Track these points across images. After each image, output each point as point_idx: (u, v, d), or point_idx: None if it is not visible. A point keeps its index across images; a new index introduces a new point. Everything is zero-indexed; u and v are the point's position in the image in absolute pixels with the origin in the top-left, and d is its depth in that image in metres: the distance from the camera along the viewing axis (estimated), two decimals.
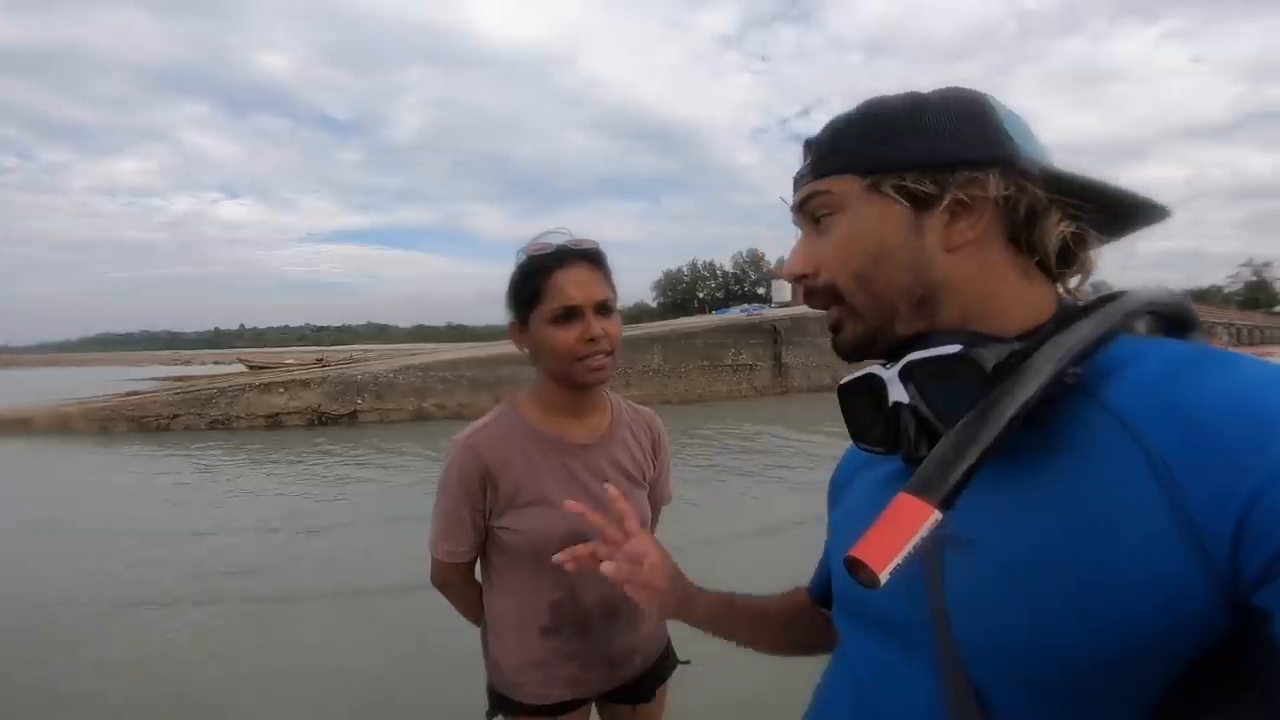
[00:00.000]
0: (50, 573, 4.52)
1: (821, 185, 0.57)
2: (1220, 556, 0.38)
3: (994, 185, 0.51)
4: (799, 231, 0.61)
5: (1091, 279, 0.57)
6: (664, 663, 1.33)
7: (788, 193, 0.63)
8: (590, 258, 1.15)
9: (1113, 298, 0.51)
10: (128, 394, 15.17)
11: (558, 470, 1.17)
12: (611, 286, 1.16)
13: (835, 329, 0.59)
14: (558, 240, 1.15)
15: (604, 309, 1.13)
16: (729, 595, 0.81)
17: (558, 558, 0.79)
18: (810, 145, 0.60)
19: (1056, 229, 0.53)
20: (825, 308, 0.59)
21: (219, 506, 6.68)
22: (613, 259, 1.20)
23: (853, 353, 0.59)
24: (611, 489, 0.82)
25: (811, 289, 0.59)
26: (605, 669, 1.22)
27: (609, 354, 1.13)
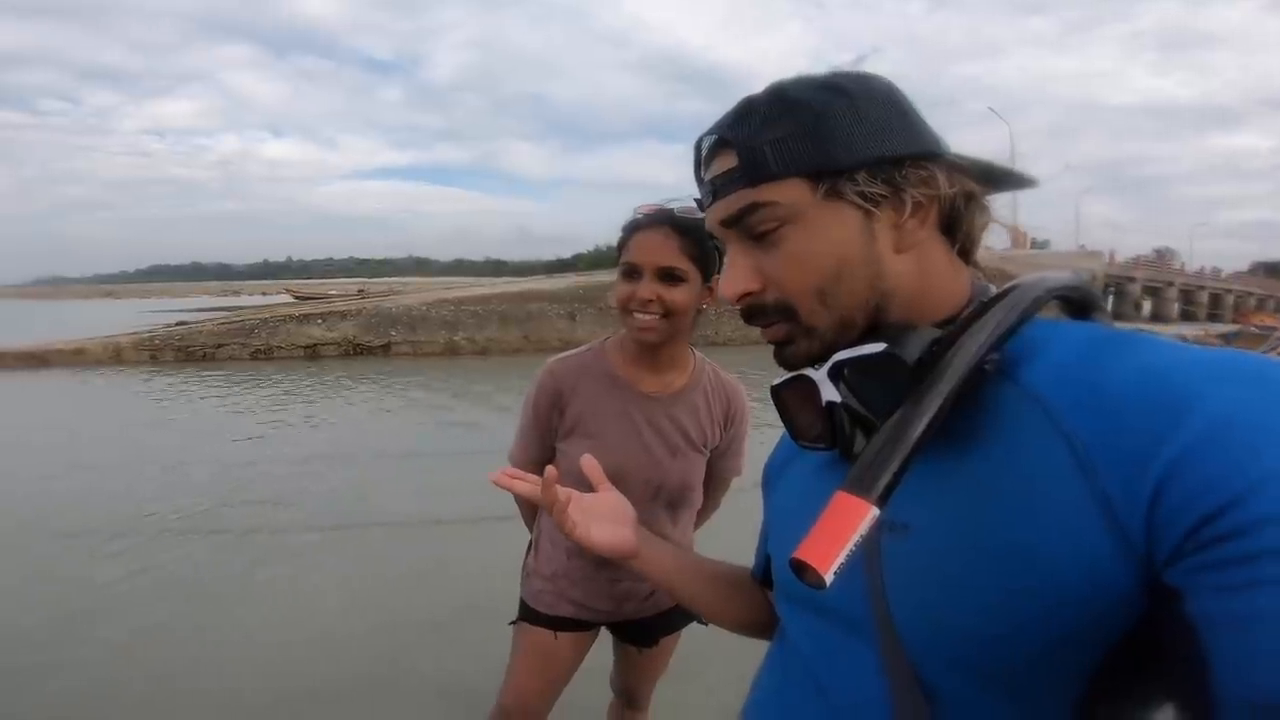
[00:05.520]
0: (76, 500, 4.74)
1: (764, 195, 0.51)
2: (1137, 537, 0.39)
3: (943, 181, 0.51)
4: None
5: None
6: (677, 615, 1.40)
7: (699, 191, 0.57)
8: (675, 225, 1.17)
9: (1020, 285, 0.50)
10: (176, 324, 15.68)
11: (619, 413, 1.26)
12: (693, 258, 1.17)
13: (783, 343, 0.56)
14: (672, 207, 1.20)
15: (667, 275, 1.16)
16: (685, 550, 0.83)
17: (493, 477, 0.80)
18: (726, 145, 0.53)
19: (982, 217, 0.55)
20: (769, 325, 0.56)
21: (245, 435, 6.92)
22: (649, 202, 1.23)
23: (802, 366, 0.56)
24: (587, 458, 0.81)
25: (758, 307, 0.55)
26: (608, 603, 1.33)
27: (662, 317, 1.17)
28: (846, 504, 0.42)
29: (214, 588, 3.30)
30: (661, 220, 1.18)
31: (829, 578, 0.41)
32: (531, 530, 1.44)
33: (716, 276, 1.20)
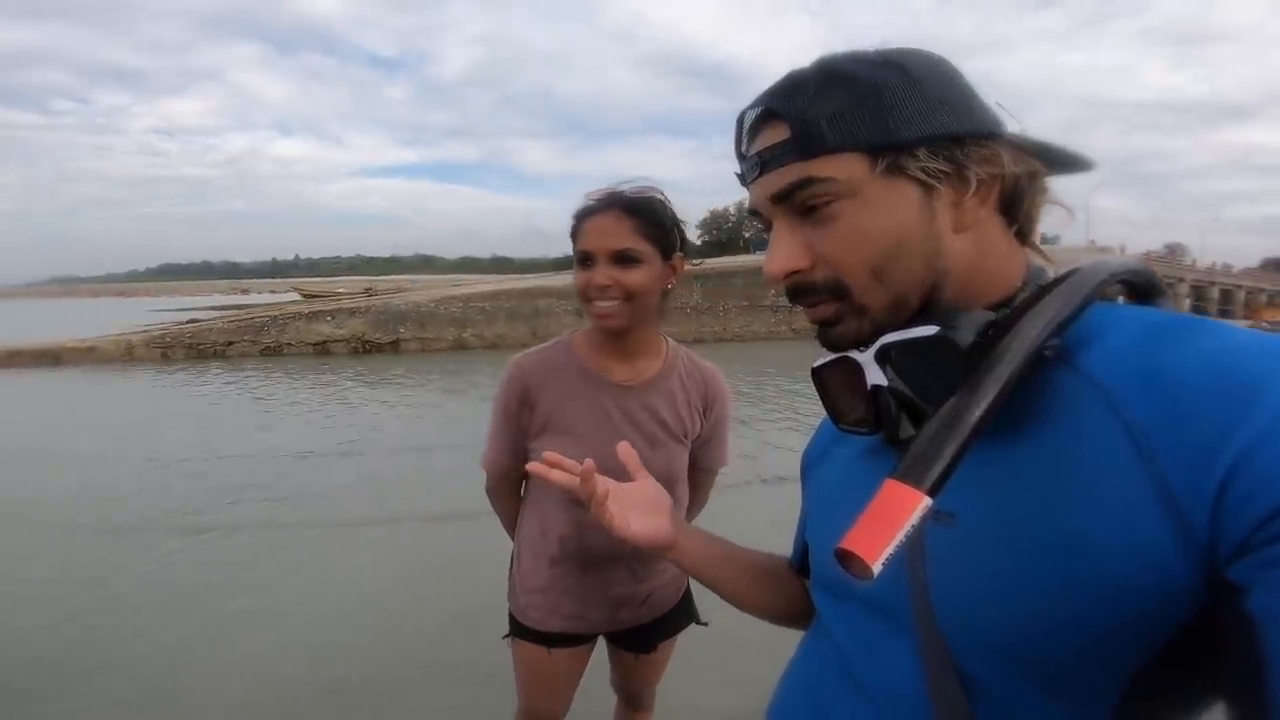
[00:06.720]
0: (89, 495, 4.76)
1: (819, 169, 0.49)
2: (1200, 528, 0.37)
3: (1008, 160, 0.49)
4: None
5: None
6: (674, 619, 1.36)
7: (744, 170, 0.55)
8: (626, 207, 1.14)
9: (1082, 268, 0.49)
10: (187, 322, 15.81)
11: (591, 405, 1.21)
12: (650, 237, 1.14)
13: (830, 323, 0.54)
14: (623, 189, 1.17)
15: (622, 258, 1.13)
16: (720, 539, 0.80)
17: (530, 468, 0.78)
18: (775, 117, 0.51)
19: (1042, 198, 0.53)
20: (815, 304, 0.53)
21: (258, 429, 6.96)
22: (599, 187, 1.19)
23: (849, 347, 0.54)
24: (624, 446, 0.80)
25: (807, 285, 0.53)
26: (603, 610, 1.27)
27: (620, 301, 1.14)
28: (897, 493, 0.41)
29: (245, 583, 3.28)
30: (612, 203, 1.14)
31: (877, 568, 0.39)
32: (512, 537, 1.38)
33: (679, 255, 1.19)
